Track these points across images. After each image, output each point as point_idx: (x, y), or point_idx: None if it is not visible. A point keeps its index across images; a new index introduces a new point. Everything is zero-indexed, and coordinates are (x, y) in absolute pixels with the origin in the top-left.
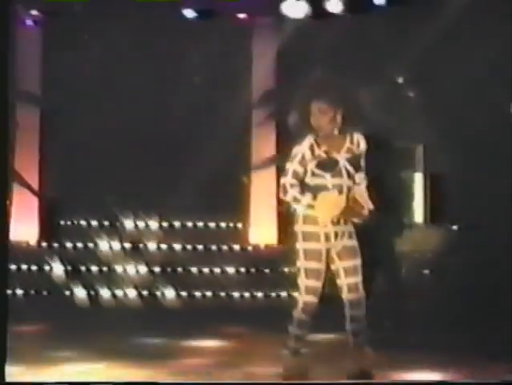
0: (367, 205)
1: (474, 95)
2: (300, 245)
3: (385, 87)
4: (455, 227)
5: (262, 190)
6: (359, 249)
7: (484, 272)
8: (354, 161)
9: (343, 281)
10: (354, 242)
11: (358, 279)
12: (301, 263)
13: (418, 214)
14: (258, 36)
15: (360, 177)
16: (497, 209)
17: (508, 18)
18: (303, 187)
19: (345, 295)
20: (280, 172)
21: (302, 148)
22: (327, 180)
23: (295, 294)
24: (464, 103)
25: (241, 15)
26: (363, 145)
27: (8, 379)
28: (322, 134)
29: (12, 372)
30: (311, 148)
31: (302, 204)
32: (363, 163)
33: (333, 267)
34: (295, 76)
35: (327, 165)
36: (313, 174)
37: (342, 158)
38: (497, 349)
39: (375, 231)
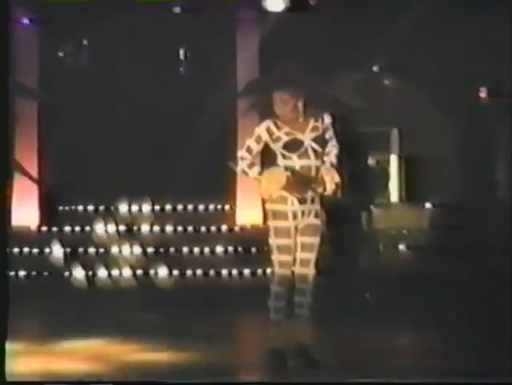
0: (334, 179)
1: (448, 79)
2: (271, 224)
3: (361, 75)
4: (428, 205)
5: None
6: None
7: (457, 245)
8: (321, 139)
9: (298, 255)
10: (318, 221)
11: (311, 256)
12: (272, 240)
13: (394, 193)
14: (241, 28)
15: (330, 146)
16: (467, 188)
17: (483, 5)
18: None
19: (297, 268)
20: None
21: (259, 129)
22: (295, 161)
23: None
24: (438, 87)
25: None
26: (327, 119)
27: (8, 358)
28: (284, 119)
29: (12, 349)
30: (268, 130)
31: (250, 176)
32: (331, 134)
33: (295, 240)
34: (278, 67)
35: (293, 146)
36: (283, 156)
37: (307, 138)
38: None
39: (354, 209)
